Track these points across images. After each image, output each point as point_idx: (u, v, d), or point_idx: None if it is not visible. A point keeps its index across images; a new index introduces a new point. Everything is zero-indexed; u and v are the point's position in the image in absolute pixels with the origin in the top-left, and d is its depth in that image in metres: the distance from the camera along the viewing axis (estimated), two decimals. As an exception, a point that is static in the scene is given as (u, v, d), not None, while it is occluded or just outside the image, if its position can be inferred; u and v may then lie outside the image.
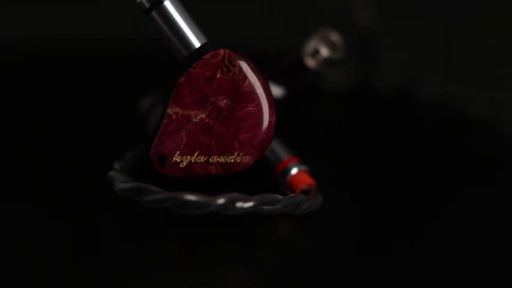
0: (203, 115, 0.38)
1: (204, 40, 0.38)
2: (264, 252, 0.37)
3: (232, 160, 0.38)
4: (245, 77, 0.38)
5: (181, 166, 0.38)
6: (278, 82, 0.43)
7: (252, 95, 0.38)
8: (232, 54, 0.38)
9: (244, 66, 0.38)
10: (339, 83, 0.58)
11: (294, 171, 0.40)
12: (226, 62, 0.38)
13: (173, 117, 0.38)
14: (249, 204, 0.36)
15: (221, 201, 0.35)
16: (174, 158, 0.38)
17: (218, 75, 0.38)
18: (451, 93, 0.59)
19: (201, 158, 0.38)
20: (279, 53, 0.44)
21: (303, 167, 0.40)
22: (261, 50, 0.45)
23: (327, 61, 0.43)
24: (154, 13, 0.38)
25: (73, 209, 0.39)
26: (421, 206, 0.42)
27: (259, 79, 0.38)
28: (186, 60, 0.38)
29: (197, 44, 0.38)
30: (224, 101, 0.38)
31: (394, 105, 0.58)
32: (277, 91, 0.42)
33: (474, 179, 0.46)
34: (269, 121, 0.38)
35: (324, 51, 0.43)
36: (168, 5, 0.38)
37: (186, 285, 0.34)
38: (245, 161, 0.38)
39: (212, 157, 0.38)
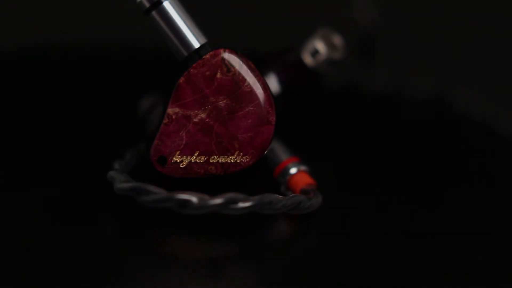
0: (203, 115, 0.38)
1: (204, 40, 0.38)
2: (264, 252, 0.37)
3: (232, 160, 0.38)
4: (245, 77, 0.38)
5: (181, 166, 0.38)
6: (278, 81, 0.43)
7: (252, 95, 0.38)
8: (232, 54, 0.38)
9: (244, 66, 0.38)
10: (338, 83, 0.58)
11: (293, 171, 0.40)
12: (226, 62, 0.38)
13: (173, 117, 0.38)
14: (249, 204, 0.36)
15: (220, 201, 0.35)
16: (174, 158, 0.38)
17: (218, 75, 0.38)
18: (450, 93, 0.59)
19: (201, 158, 0.38)
20: (279, 53, 0.44)
21: (303, 167, 0.40)
22: (261, 50, 0.45)
23: (327, 61, 0.43)
24: (154, 13, 0.38)
25: (73, 209, 0.39)
26: (421, 206, 0.42)
27: (259, 79, 0.38)
28: (186, 60, 0.38)
29: (197, 44, 0.38)
30: (224, 101, 0.38)
31: (394, 105, 0.58)
32: (277, 90, 0.42)
33: (474, 179, 0.46)
34: (269, 121, 0.38)
35: (324, 51, 0.43)
36: (168, 5, 0.38)
37: (187, 285, 0.34)
38: (245, 161, 0.38)
39: (212, 157, 0.38)
